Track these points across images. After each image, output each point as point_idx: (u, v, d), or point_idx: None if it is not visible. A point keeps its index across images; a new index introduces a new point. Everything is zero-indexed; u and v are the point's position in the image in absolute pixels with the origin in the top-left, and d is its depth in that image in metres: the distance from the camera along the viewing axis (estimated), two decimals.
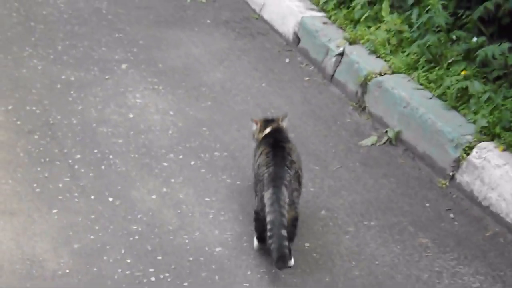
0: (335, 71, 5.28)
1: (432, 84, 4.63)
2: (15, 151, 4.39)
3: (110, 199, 3.97)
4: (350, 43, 5.32)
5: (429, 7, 4.91)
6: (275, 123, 3.82)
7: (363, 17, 5.51)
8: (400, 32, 5.15)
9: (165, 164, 4.29)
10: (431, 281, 3.42)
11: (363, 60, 5.08)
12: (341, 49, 5.28)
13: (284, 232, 3.30)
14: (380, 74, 4.87)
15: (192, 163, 4.31)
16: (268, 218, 3.33)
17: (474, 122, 4.24)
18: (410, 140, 4.46)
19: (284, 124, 3.85)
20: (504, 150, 3.99)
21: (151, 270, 3.45)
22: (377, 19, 5.46)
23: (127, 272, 3.43)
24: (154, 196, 4.00)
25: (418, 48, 4.88)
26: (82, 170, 4.21)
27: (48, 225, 3.76)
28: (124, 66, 5.53)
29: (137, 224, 3.77)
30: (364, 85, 4.91)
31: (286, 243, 3.29)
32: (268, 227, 3.32)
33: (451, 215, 3.91)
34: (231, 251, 3.59)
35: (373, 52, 5.15)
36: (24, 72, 5.41)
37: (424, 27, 4.98)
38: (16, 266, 3.45)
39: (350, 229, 3.77)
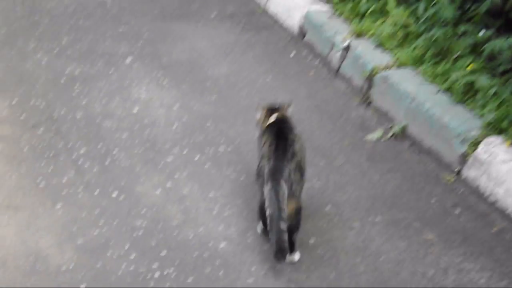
0: (340, 65, 5.25)
1: (438, 79, 4.59)
2: (19, 145, 4.38)
3: (114, 194, 3.96)
4: (356, 37, 5.29)
5: (435, 0, 4.87)
6: (280, 111, 3.81)
7: (369, 10, 5.48)
8: (406, 25, 5.12)
9: (170, 159, 4.28)
10: (436, 278, 3.40)
11: (369, 54, 5.05)
12: (346, 43, 5.25)
13: (283, 226, 3.31)
14: (386, 68, 4.84)
15: (197, 158, 4.29)
16: (267, 212, 3.35)
17: (481, 117, 4.21)
18: (416, 135, 4.43)
19: (289, 111, 3.84)
20: (511, 145, 3.96)
21: (155, 265, 3.43)
22: (383, 12, 5.43)
23: (131, 267, 3.42)
24: (158, 191, 3.98)
25: (424, 42, 4.85)
26: (86, 165, 4.20)
27: (52, 220, 3.75)
28: (128, 60, 5.51)
29: (141, 219, 3.76)
30: (369, 79, 4.89)
31: (285, 237, 3.31)
32: (268, 220, 3.35)
33: (457, 211, 3.88)
34: (235, 246, 3.57)
35: (379, 46, 5.12)
36: (28, 66, 5.40)
37: (431, 20, 4.95)
38: (20, 261, 3.45)
39: (355, 225, 3.75)
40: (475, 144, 4.06)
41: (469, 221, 3.81)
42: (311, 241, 3.62)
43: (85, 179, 4.07)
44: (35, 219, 3.74)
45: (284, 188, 3.37)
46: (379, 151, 4.41)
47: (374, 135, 4.55)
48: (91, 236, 3.63)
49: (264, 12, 6.40)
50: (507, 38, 4.44)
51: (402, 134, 4.50)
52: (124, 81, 5.18)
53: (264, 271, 3.41)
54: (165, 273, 3.39)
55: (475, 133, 4.10)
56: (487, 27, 4.72)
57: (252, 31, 6.03)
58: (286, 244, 3.32)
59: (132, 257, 3.49)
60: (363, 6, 5.53)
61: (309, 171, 4.10)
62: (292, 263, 3.46)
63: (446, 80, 4.54)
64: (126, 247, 3.55)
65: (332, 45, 5.37)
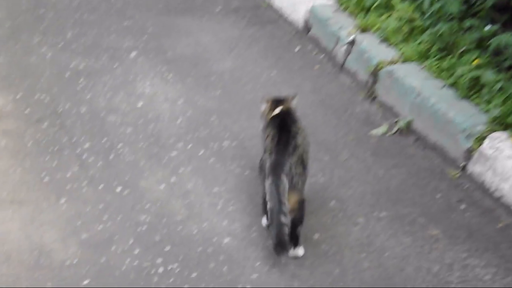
0: (345, 59, 5.23)
1: (444, 73, 4.57)
2: (24, 140, 4.38)
3: (118, 189, 3.95)
4: (361, 31, 5.27)
5: None
6: (285, 103, 3.80)
7: (374, 5, 5.45)
8: (412, 20, 5.09)
9: (174, 153, 4.27)
10: (441, 273, 3.38)
11: (374, 48, 5.03)
12: (352, 37, 5.23)
13: (283, 219, 3.31)
14: (391, 63, 4.82)
15: (201, 152, 4.28)
16: (268, 206, 3.37)
17: (486, 112, 4.19)
18: (421, 130, 4.41)
19: (294, 103, 3.84)
20: None
21: (159, 261, 3.43)
22: (388, 7, 5.40)
23: (135, 263, 3.42)
24: (162, 186, 3.98)
25: (430, 36, 4.83)
26: (91, 160, 4.20)
27: (56, 214, 3.74)
28: (133, 54, 5.51)
29: (145, 214, 3.75)
30: (375, 74, 4.87)
31: (286, 230, 3.31)
32: (268, 214, 3.38)
33: (462, 206, 3.86)
34: (239, 242, 3.56)
35: (385, 40, 5.10)
36: (33, 60, 5.40)
37: (436, 15, 4.92)
38: (24, 256, 3.45)
39: (360, 220, 3.74)
40: (481, 139, 4.04)
41: (474, 216, 3.79)
42: (315, 236, 3.61)
43: (89, 173, 4.07)
44: (39, 214, 3.74)
45: (285, 182, 3.37)
46: (384, 146, 4.39)
47: (379, 130, 4.54)
48: (95, 231, 3.63)
49: (269, 7, 6.38)
50: None
51: (407, 129, 4.49)
52: (128, 76, 5.17)
53: (268, 267, 3.40)
54: (169, 268, 3.39)
55: (480, 128, 4.08)
56: (493, 21, 4.69)
57: (257, 26, 6.01)
58: (287, 238, 3.32)
59: (136, 252, 3.49)
60: (368, 0, 5.50)
61: (313, 166, 4.10)
62: (296, 258, 3.46)
63: (451, 75, 4.51)
64: (130, 242, 3.55)
65: (337, 40, 5.35)
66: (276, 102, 3.81)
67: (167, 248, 3.51)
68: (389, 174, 4.12)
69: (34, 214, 3.74)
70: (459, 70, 4.45)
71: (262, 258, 3.45)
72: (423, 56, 4.79)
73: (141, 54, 5.50)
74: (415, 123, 4.46)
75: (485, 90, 4.31)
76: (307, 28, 5.80)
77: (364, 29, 5.27)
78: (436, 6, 4.87)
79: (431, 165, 4.21)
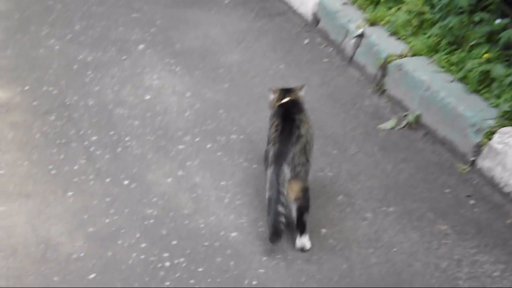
0: (354, 52, 5.21)
1: (453, 67, 4.54)
2: (31, 132, 4.38)
3: (126, 182, 3.94)
4: (370, 25, 5.24)
5: None
6: (293, 93, 3.81)
7: None
8: (421, 13, 5.05)
9: (181, 146, 4.25)
10: (450, 269, 3.36)
11: (383, 42, 5.00)
12: (361, 31, 5.20)
13: (280, 209, 3.34)
14: (401, 57, 4.79)
15: (209, 146, 4.26)
16: (266, 195, 3.40)
17: (496, 107, 4.16)
18: (430, 124, 4.38)
19: (301, 94, 3.85)
20: None
21: (166, 254, 3.42)
22: (397, 0, 5.36)
23: (142, 256, 3.40)
24: (169, 180, 3.96)
25: (439, 30, 4.79)
26: (98, 152, 4.19)
27: (63, 208, 3.74)
28: (141, 46, 5.50)
29: (152, 207, 3.74)
30: (384, 67, 4.84)
31: (282, 219, 3.34)
32: (267, 204, 3.40)
33: (472, 202, 3.84)
34: (246, 236, 3.54)
35: (394, 33, 5.07)
36: (41, 52, 5.40)
37: (446, 8, 4.88)
38: (30, 249, 3.44)
39: (368, 215, 3.72)
40: (490, 134, 4.01)
41: (484, 212, 3.76)
42: (323, 231, 3.59)
43: (97, 166, 4.06)
44: (46, 207, 3.73)
45: (286, 172, 3.39)
46: (392, 140, 4.37)
47: (387, 124, 4.51)
48: (102, 225, 3.62)
49: None
50: None
51: (416, 123, 4.46)
52: (136, 68, 5.16)
53: (275, 261, 3.38)
54: (175, 262, 3.37)
55: (490, 123, 4.05)
56: (503, 15, 4.65)
57: (265, 18, 5.99)
58: (282, 227, 3.35)
59: (142, 246, 3.47)
60: None
61: (321, 160, 4.10)
62: (303, 250, 3.45)
63: (461, 69, 4.48)
64: (137, 236, 3.54)
65: (346, 33, 5.32)
66: (284, 92, 3.82)
67: (174, 242, 3.50)
68: (397, 168, 4.10)
69: (41, 207, 3.73)
70: (469, 64, 4.42)
71: (269, 252, 3.44)
72: (432, 50, 4.76)
73: (149, 47, 5.49)
74: (424, 117, 4.43)
75: (495, 85, 4.27)
76: (315, 21, 5.77)
77: (373, 22, 5.24)
78: None
79: (440, 159, 4.18)
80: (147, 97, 4.79)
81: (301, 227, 3.46)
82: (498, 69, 4.27)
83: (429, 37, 4.85)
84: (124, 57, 5.32)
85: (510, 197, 3.80)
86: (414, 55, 4.79)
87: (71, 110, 4.61)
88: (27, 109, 4.62)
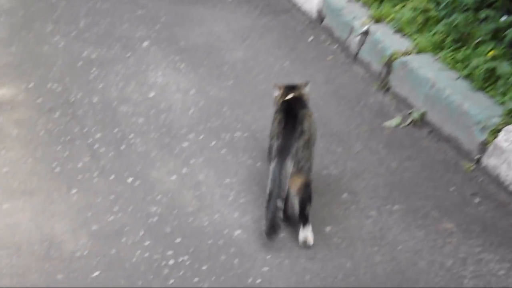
0: (359, 50, 5.19)
1: (458, 65, 4.52)
2: (36, 129, 4.37)
3: (130, 180, 3.93)
4: (375, 22, 5.22)
5: None
6: (297, 90, 3.81)
7: None
8: (427, 10, 5.04)
9: (185, 144, 4.25)
10: (455, 268, 3.34)
11: (388, 39, 4.98)
12: (365, 28, 5.18)
13: (279, 204, 3.35)
14: (405, 54, 4.77)
15: (213, 143, 4.25)
16: (267, 188, 3.39)
17: (501, 104, 4.14)
18: (436, 122, 4.37)
19: (306, 91, 3.85)
20: None
21: (170, 252, 3.41)
22: None
23: (146, 254, 3.40)
24: (173, 177, 3.96)
25: (445, 27, 4.77)
26: (102, 150, 4.18)
27: (67, 205, 3.73)
28: (145, 43, 5.49)
29: (156, 205, 3.73)
30: (388, 64, 4.82)
31: (280, 215, 3.36)
32: (266, 196, 3.39)
33: (477, 200, 3.82)
34: (250, 234, 3.53)
35: (399, 31, 5.05)
36: (45, 49, 5.40)
37: (451, 5, 4.87)
38: (34, 246, 3.43)
39: (373, 213, 3.70)
40: (496, 131, 3.99)
41: (489, 210, 3.74)
42: (327, 229, 3.58)
43: (101, 164, 4.05)
44: (50, 205, 3.73)
45: (289, 166, 3.39)
46: (397, 138, 4.35)
47: (392, 122, 4.49)
48: (106, 222, 3.61)
49: None
50: None
51: (421, 121, 4.44)
52: (140, 65, 5.16)
53: (279, 260, 3.37)
54: (179, 260, 3.36)
55: (495, 120, 4.03)
56: (508, 12, 4.63)
57: (270, 15, 5.97)
58: (279, 222, 3.37)
59: (146, 244, 3.47)
60: None
61: (326, 158, 4.08)
62: (306, 244, 3.45)
63: (466, 66, 4.46)
64: (141, 234, 3.53)
65: (351, 30, 5.30)
66: (288, 89, 3.82)
67: (178, 240, 3.49)
68: (402, 166, 4.08)
69: (45, 204, 3.73)
70: (474, 62, 4.40)
71: (273, 250, 3.43)
72: (437, 47, 4.74)
73: (154, 44, 5.48)
74: (429, 114, 4.42)
75: (500, 82, 4.25)
76: (320, 18, 5.75)
77: (378, 20, 5.22)
78: None
79: (445, 157, 4.17)
80: (152, 94, 4.78)
81: (303, 220, 3.47)
82: (504, 67, 4.25)
83: (434, 34, 4.83)
84: (128, 54, 5.32)
85: None
86: (419, 52, 4.77)
87: (75, 107, 4.61)
88: (31, 106, 4.62)
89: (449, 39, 4.72)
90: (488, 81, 4.33)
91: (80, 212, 3.68)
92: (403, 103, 4.64)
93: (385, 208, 3.74)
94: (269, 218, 3.37)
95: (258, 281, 3.26)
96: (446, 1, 4.88)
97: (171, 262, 3.36)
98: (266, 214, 3.41)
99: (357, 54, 5.20)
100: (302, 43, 5.53)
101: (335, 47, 5.45)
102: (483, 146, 4.02)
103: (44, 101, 4.67)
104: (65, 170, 4.00)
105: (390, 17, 5.17)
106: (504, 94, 4.18)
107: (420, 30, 4.98)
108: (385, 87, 4.83)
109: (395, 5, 5.29)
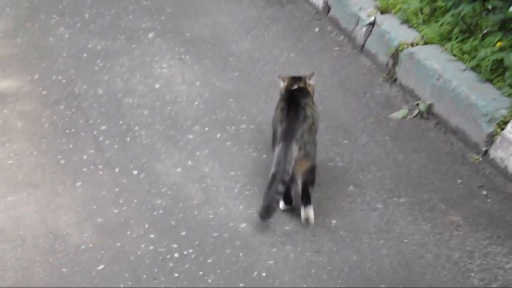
0: (365, 41, 5.15)
1: (466, 56, 4.48)
2: (40, 121, 4.36)
3: (135, 172, 3.92)
4: (382, 12, 5.17)
5: None
6: (302, 81, 3.83)
7: None
8: (433, 1, 4.99)
9: (191, 136, 4.23)
10: (462, 261, 3.32)
11: (394, 30, 4.93)
12: (372, 19, 5.14)
13: (280, 188, 3.39)
14: (412, 45, 4.73)
15: (218, 135, 4.23)
16: (271, 171, 3.43)
17: (509, 96, 4.10)
18: (442, 114, 4.33)
19: (311, 82, 3.87)
20: None
21: (175, 246, 3.40)
22: None
23: (151, 247, 3.39)
24: (179, 170, 3.94)
25: (452, 18, 4.73)
26: (107, 142, 4.17)
27: (72, 198, 3.72)
28: (151, 35, 5.46)
29: (161, 198, 3.72)
30: (395, 56, 4.78)
31: (279, 198, 3.44)
32: (269, 178, 3.42)
33: (484, 192, 3.79)
34: (256, 227, 3.52)
35: (405, 21, 5.00)
36: (50, 41, 5.38)
37: None
38: (39, 239, 3.43)
39: (379, 206, 3.68)
40: (503, 123, 3.96)
41: (496, 202, 3.71)
42: (333, 222, 3.56)
43: (106, 156, 4.04)
44: (54, 197, 3.72)
45: (294, 150, 3.42)
46: (404, 130, 4.32)
47: (399, 114, 4.46)
48: (111, 215, 3.60)
49: None
50: None
51: (428, 112, 4.41)
52: (146, 57, 5.13)
53: (284, 253, 3.36)
54: (184, 253, 3.36)
55: (503, 112, 3.99)
56: None
57: (276, 6, 5.93)
58: (275, 206, 3.43)
59: (151, 236, 3.46)
60: None
61: (332, 150, 4.06)
62: (308, 222, 3.49)
63: (473, 57, 4.42)
64: (146, 227, 3.52)
65: (357, 21, 5.26)
66: (293, 80, 3.83)
67: (183, 233, 3.48)
68: (409, 158, 4.05)
69: (49, 197, 3.72)
70: (482, 53, 4.36)
71: (279, 244, 3.41)
72: (444, 38, 4.70)
73: (159, 35, 5.45)
74: (436, 106, 4.38)
75: (508, 73, 4.21)
76: (326, 8, 5.71)
77: (384, 10, 5.18)
78: None
79: (452, 149, 4.13)
80: (157, 86, 4.76)
81: (305, 200, 3.52)
82: (511, 58, 4.21)
83: (441, 25, 4.79)
84: (133, 46, 5.29)
85: None
86: (426, 43, 4.73)
87: (80, 99, 4.60)
88: (36, 98, 4.61)
89: (456, 30, 4.67)
90: (495, 72, 4.29)
91: (85, 204, 3.67)
92: (409, 95, 4.61)
93: (391, 200, 3.72)
94: (267, 200, 3.42)
95: (264, 274, 3.24)
96: None
97: (176, 255, 3.35)
98: (265, 195, 3.44)
99: (363, 45, 5.17)
100: (308, 34, 5.49)
101: (341, 38, 5.41)
102: (491, 138, 3.99)
103: (49, 93, 4.66)
104: (70, 163, 3.99)
105: (397, 7, 5.13)
106: (511, 85, 4.14)
107: (427, 21, 4.94)
108: (391, 79, 4.79)
109: None
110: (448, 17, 4.75)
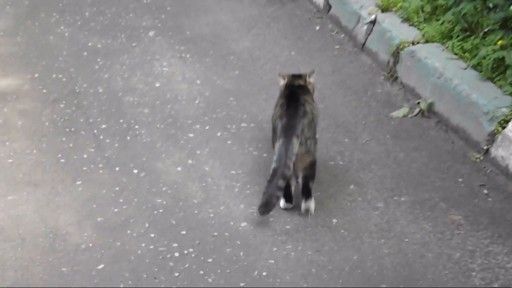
0: (366, 39, 5.14)
1: (467, 54, 4.47)
2: (40, 120, 4.36)
3: (135, 171, 3.91)
4: (382, 11, 5.16)
5: None
6: (302, 79, 3.85)
7: None
8: None
9: (191, 135, 4.22)
10: (463, 261, 3.31)
11: (395, 28, 4.93)
12: (373, 17, 5.13)
13: (281, 183, 3.41)
14: (413, 43, 4.72)
15: (219, 134, 4.22)
16: (272, 166, 3.45)
17: (510, 94, 4.09)
18: (443, 112, 4.32)
19: (311, 80, 3.88)
20: None
21: (175, 245, 3.39)
22: None
23: (151, 247, 3.38)
24: (179, 168, 3.93)
25: (453, 16, 4.71)
26: (107, 141, 4.16)
27: (72, 197, 3.71)
28: (151, 33, 5.45)
29: (162, 197, 3.71)
30: (396, 54, 4.77)
31: (279, 194, 3.45)
32: (270, 173, 3.44)
33: (485, 191, 3.78)
34: (256, 226, 3.51)
35: (406, 20, 4.99)
36: (51, 39, 5.37)
37: None
38: (39, 239, 3.42)
39: (380, 205, 3.67)
40: (504, 122, 3.95)
41: (497, 202, 3.70)
42: (334, 221, 3.55)
43: (106, 155, 4.04)
44: (54, 196, 3.71)
45: (295, 145, 3.44)
46: (405, 128, 4.31)
47: (400, 112, 4.45)
48: (111, 214, 3.59)
49: None
50: None
51: (429, 111, 4.40)
52: (146, 55, 5.13)
53: (285, 252, 3.35)
54: (185, 252, 3.35)
55: (504, 111, 3.98)
56: None
57: (276, 4, 5.92)
58: (275, 202, 3.44)
59: (152, 236, 3.45)
60: None
61: (332, 149, 4.05)
62: (308, 213, 3.53)
63: (474, 56, 4.41)
64: (146, 226, 3.51)
65: (358, 19, 5.25)
66: (293, 78, 3.85)
67: (183, 232, 3.47)
68: (409, 157, 4.04)
69: (49, 196, 3.71)
70: (483, 51, 4.34)
71: (279, 243, 3.40)
72: (445, 36, 4.69)
73: (159, 33, 5.44)
74: (437, 105, 4.37)
75: (509, 72, 4.20)
76: (327, 7, 5.70)
77: (385, 9, 5.17)
78: None
79: (453, 148, 4.12)
80: (157, 84, 4.75)
81: (306, 193, 3.57)
82: None
83: (442, 23, 4.78)
84: (134, 44, 5.28)
85: None
86: (427, 41, 4.72)
87: (80, 97, 4.59)
88: (36, 96, 4.60)
89: (457, 28, 4.66)
90: (496, 71, 4.28)
91: (85, 204, 3.66)
92: (410, 93, 4.60)
93: (392, 199, 3.71)
94: (267, 194, 3.43)
95: (264, 273, 3.23)
96: None
97: (176, 254, 3.34)
98: (265, 190, 3.45)
99: (364, 43, 5.16)
100: (309, 32, 5.48)
101: (342, 36, 5.40)
102: (492, 137, 3.98)
103: (49, 92, 4.65)
104: (70, 161, 3.98)
105: (398, 6, 5.12)
106: None
107: (428, 19, 4.93)
108: (392, 77, 4.78)
109: None
110: (449, 16, 4.74)
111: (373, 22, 5.11)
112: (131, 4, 5.93)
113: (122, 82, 4.77)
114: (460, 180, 3.86)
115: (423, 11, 4.98)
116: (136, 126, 4.30)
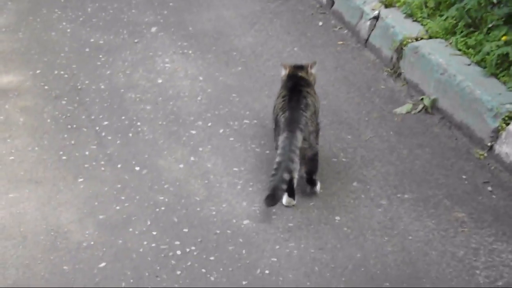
0: (369, 35, 5.11)
1: (470, 50, 4.44)
2: (42, 117, 4.34)
3: (137, 168, 3.90)
4: (386, 6, 5.14)
5: None
6: (304, 70, 3.86)
7: None
8: None
9: (193, 132, 4.20)
10: (467, 258, 3.29)
11: (398, 24, 4.90)
12: (376, 12, 5.10)
13: (286, 176, 3.43)
14: (417, 39, 4.69)
15: (221, 131, 4.20)
16: (276, 159, 3.48)
17: None
18: (447, 109, 4.30)
19: (313, 71, 3.90)
20: None
21: (177, 243, 3.37)
22: None
23: (153, 244, 3.36)
24: (181, 166, 3.91)
25: (456, 11, 4.69)
26: (109, 138, 4.14)
27: (74, 194, 3.70)
28: (153, 29, 5.43)
29: (164, 194, 3.69)
30: (399, 50, 4.74)
31: (284, 186, 3.44)
32: (274, 167, 3.46)
33: (489, 188, 3.75)
34: (259, 224, 3.49)
35: (410, 15, 4.97)
36: (53, 35, 5.36)
37: None
38: (40, 237, 3.41)
39: (383, 202, 3.65)
40: (509, 118, 3.93)
41: (502, 199, 3.68)
42: (337, 219, 3.53)
43: (108, 152, 4.02)
44: (56, 194, 3.70)
45: (299, 138, 3.47)
46: (408, 125, 4.28)
47: (403, 108, 4.43)
48: (113, 212, 3.58)
49: None
50: None
51: (432, 107, 4.38)
52: (148, 51, 5.10)
53: (288, 250, 3.33)
54: (187, 250, 3.33)
55: (508, 107, 3.96)
56: None
57: (279, 0, 5.89)
58: (281, 194, 3.46)
59: (153, 233, 3.43)
60: None
61: (335, 146, 4.04)
62: (314, 193, 3.62)
63: (478, 51, 4.38)
64: (148, 224, 3.49)
65: (361, 15, 5.23)
66: (295, 68, 3.86)
67: (185, 230, 3.45)
68: (413, 154, 4.02)
69: (51, 193, 3.70)
70: (487, 47, 4.32)
71: (282, 241, 3.38)
72: (449, 32, 4.66)
73: (162, 29, 5.42)
74: (441, 101, 4.35)
75: None
76: (330, 2, 5.67)
77: (388, 4, 5.14)
78: None
79: (456, 145, 4.10)
80: (159, 81, 4.73)
81: (311, 184, 3.66)
82: None
83: (445, 19, 4.75)
84: (136, 40, 5.26)
85: None
86: (430, 37, 4.70)
87: (82, 94, 4.57)
88: (38, 93, 4.58)
89: (461, 24, 4.64)
90: (500, 67, 4.25)
91: (87, 201, 3.64)
92: (414, 89, 4.57)
93: (395, 196, 3.68)
94: (273, 187, 3.43)
95: (267, 272, 3.22)
96: None
97: (178, 252, 3.32)
98: (270, 183, 3.45)
99: (367, 39, 5.13)
100: (312, 28, 5.45)
101: (345, 32, 5.37)
102: (496, 133, 3.95)
103: (50, 88, 4.63)
104: (72, 159, 3.97)
105: (401, 1, 5.09)
106: None
107: (431, 15, 4.90)
108: (396, 73, 4.76)
109: None
110: (452, 11, 4.71)
111: (376, 18, 5.08)
112: (133, 0, 5.91)
113: (124, 79, 4.75)
114: (464, 177, 3.84)
115: (426, 6, 4.95)
116: (138, 123, 4.28)
